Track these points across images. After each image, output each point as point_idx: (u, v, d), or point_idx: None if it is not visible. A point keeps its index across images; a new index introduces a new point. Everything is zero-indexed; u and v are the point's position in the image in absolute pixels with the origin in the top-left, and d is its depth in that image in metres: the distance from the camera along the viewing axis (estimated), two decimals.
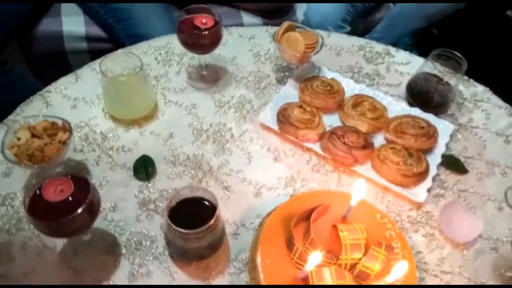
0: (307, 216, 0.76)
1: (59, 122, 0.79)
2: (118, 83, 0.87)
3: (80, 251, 0.76)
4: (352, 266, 0.71)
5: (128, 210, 0.82)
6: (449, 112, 1.05)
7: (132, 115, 0.93)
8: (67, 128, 0.77)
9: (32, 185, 0.65)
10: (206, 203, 0.71)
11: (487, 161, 0.96)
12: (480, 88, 1.11)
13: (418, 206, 0.87)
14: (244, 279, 0.75)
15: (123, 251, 0.76)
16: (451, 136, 0.98)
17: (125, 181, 0.86)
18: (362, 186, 0.72)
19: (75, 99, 0.98)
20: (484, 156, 0.97)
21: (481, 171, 0.94)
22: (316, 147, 0.92)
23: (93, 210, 0.66)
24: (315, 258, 0.63)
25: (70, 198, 0.65)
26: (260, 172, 0.89)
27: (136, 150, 0.90)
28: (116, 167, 0.88)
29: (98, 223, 0.78)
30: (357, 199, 0.73)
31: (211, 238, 0.70)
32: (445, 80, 1.00)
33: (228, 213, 0.82)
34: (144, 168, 0.87)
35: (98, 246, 0.77)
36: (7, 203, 0.81)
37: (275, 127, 0.95)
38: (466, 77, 1.12)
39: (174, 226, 0.66)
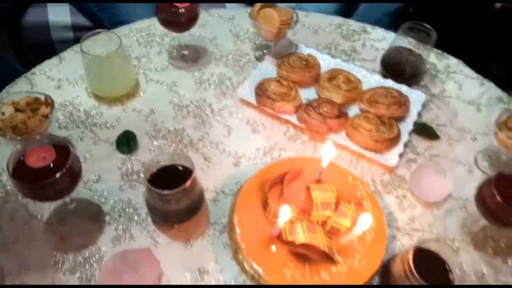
0: (282, 180, 0.80)
1: (42, 98, 0.82)
2: (99, 60, 0.90)
3: (66, 219, 0.79)
4: (324, 223, 0.74)
5: (112, 181, 0.85)
6: (422, 84, 1.08)
7: (114, 92, 0.97)
8: (49, 102, 0.81)
9: (17, 152, 0.68)
10: (182, 168, 0.74)
11: (458, 128, 1.00)
12: (453, 61, 1.15)
13: (390, 170, 0.91)
14: (223, 240, 0.78)
15: (107, 218, 0.80)
16: (424, 105, 1.02)
17: (109, 154, 0.89)
18: (330, 148, 0.76)
19: (59, 80, 1.01)
20: (456, 124, 1.01)
21: (452, 137, 0.98)
22: (293, 118, 0.96)
23: (74, 175, 0.69)
24: (285, 212, 0.67)
25: (51, 165, 0.68)
26: (239, 143, 0.93)
27: (119, 126, 0.94)
28: (100, 142, 0.91)
29: (83, 193, 0.82)
30: (327, 160, 0.77)
31: (188, 200, 0.73)
32: (416, 52, 1.03)
33: (208, 182, 0.86)
34: (126, 142, 0.90)
35: (83, 214, 0.80)
36: None
37: (253, 101, 0.98)
38: (439, 51, 1.16)
39: (153, 188, 0.69)
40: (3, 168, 0.85)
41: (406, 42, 1.02)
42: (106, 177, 0.85)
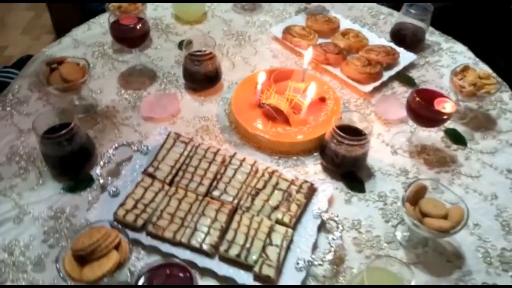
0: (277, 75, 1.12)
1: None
2: None
3: (134, 75, 1.21)
4: (291, 100, 1.05)
5: (168, 60, 1.26)
6: (422, 53, 1.32)
7: (189, 17, 1.40)
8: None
9: (114, 17, 1.12)
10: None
11: (437, 85, 1.20)
12: (459, 46, 1.36)
13: (365, 96, 1.17)
14: (225, 107, 1.12)
15: (159, 77, 1.20)
16: (416, 66, 1.26)
17: (170, 48, 1.31)
18: (309, 52, 1.07)
19: (157, 5, 1.48)
20: (437, 82, 1.20)
21: None
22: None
23: (145, 35, 1.11)
24: (261, 77, 1.00)
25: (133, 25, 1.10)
26: (259, 61, 1.27)
27: (184, 36, 1.35)
28: (168, 41, 1.34)
29: (148, 64, 1.24)
30: (307, 61, 1.07)
31: (213, 67, 1.10)
32: (416, 23, 1.28)
33: (230, 75, 1.21)
34: (182, 43, 1.30)
35: (145, 73, 1.22)
36: None
37: (279, 36, 1.33)
38: (449, 37, 1.38)
39: (191, 54, 1.08)
40: None
41: (409, 15, 1.28)
42: (164, 57, 1.27)
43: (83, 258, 0.70)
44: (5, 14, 2.80)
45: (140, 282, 0.65)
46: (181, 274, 0.66)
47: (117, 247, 0.71)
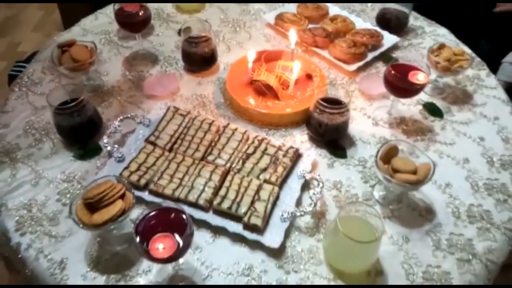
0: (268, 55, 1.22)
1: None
2: None
3: (138, 58, 1.32)
4: (280, 77, 1.14)
5: (168, 45, 1.36)
6: (406, 36, 1.41)
7: (188, 6, 1.51)
8: None
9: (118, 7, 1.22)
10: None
11: (417, 62, 1.29)
12: (441, 29, 1.45)
13: (350, 75, 1.26)
14: (220, 86, 1.23)
15: (160, 60, 1.31)
16: (400, 48, 1.35)
17: (172, 34, 1.41)
18: (293, 33, 1.17)
19: None
20: (419, 62, 1.30)
21: None
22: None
23: (147, 21, 1.22)
24: (251, 54, 1.10)
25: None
26: (252, 46, 1.37)
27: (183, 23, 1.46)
28: (170, 28, 1.44)
29: (151, 49, 1.34)
30: (293, 41, 1.17)
31: (209, 49, 1.21)
32: (399, 8, 1.38)
33: (226, 57, 1.32)
34: (180, 29, 1.40)
35: (148, 57, 1.32)
36: None
37: (272, 22, 1.43)
38: (432, 21, 1.47)
39: (189, 38, 1.18)
40: None
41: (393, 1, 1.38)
42: (165, 43, 1.37)
43: (92, 207, 0.80)
44: (18, 13, 2.95)
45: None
46: (176, 215, 0.76)
47: (122, 197, 0.81)
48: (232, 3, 1.55)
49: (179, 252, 0.71)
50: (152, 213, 0.76)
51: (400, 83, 1.03)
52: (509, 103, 1.20)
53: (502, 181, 1.00)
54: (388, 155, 0.91)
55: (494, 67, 1.42)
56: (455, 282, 0.84)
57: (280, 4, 1.55)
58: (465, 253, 0.88)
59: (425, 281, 0.84)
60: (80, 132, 1.03)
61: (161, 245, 0.70)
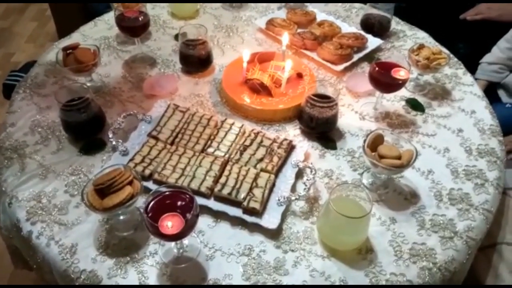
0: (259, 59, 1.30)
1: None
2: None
3: (137, 59, 1.39)
4: (273, 76, 1.22)
5: (166, 49, 1.43)
6: (388, 39, 1.51)
7: (182, 13, 1.59)
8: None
9: (119, 12, 1.30)
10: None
11: (400, 62, 1.39)
12: (422, 34, 1.55)
13: (337, 74, 1.35)
14: (216, 86, 1.30)
15: (159, 64, 1.38)
16: (383, 50, 1.45)
17: (167, 39, 1.48)
18: (285, 36, 1.25)
19: (155, 5, 1.66)
20: (402, 63, 1.40)
21: None
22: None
23: (146, 26, 1.29)
24: (246, 54, 1.18)
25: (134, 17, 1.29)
26: (245, 47, 1.44)
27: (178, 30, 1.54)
28: (166, 34, 1.52)
29: (148, 53, 1.41)
30: (285, 43, 1.26)
31: (205, 51, 1.28)
32: (381, 14, 1.47)
33: (221, 59, 1.39)
34: (176, 35, 1.48)
35: (146, 60, 1.39)
36: None
37: (263, 27, 1.51)
38: (412, 26, 1.58)
39: (186, 41, 1.25)
40: None
41: (376, 7, 1.47)
42: (162, 47, 1.44)
43: (103, 193, 0.86)
44: (12, 25, 3.00)
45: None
46: (183, 197, 0.82)
47: (130, 183, 0.87)
48: (225, 10, 1.64)
49: (186, 229, 0.77)
50: (161, 196, 0.82)
51: (384, 79, 1.12)
52: (484, 98, 1.29)
53: (479, 167, 1.09)
54: (375, 143, 0.99)
55: (472, 69, 1.53)
56: (438, 257, 0.91)
57: (270, 10, 1.64)
58: (447, 232, 0.95)
59: (412, 256, 0.91)
60: (86, 128, 1.09)
61: (169, 223, 0.76)
